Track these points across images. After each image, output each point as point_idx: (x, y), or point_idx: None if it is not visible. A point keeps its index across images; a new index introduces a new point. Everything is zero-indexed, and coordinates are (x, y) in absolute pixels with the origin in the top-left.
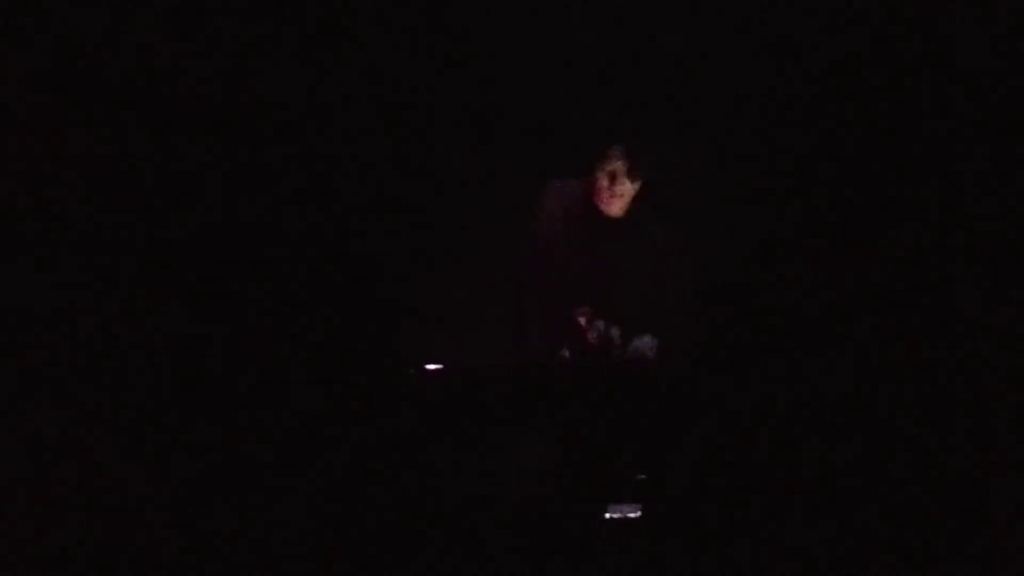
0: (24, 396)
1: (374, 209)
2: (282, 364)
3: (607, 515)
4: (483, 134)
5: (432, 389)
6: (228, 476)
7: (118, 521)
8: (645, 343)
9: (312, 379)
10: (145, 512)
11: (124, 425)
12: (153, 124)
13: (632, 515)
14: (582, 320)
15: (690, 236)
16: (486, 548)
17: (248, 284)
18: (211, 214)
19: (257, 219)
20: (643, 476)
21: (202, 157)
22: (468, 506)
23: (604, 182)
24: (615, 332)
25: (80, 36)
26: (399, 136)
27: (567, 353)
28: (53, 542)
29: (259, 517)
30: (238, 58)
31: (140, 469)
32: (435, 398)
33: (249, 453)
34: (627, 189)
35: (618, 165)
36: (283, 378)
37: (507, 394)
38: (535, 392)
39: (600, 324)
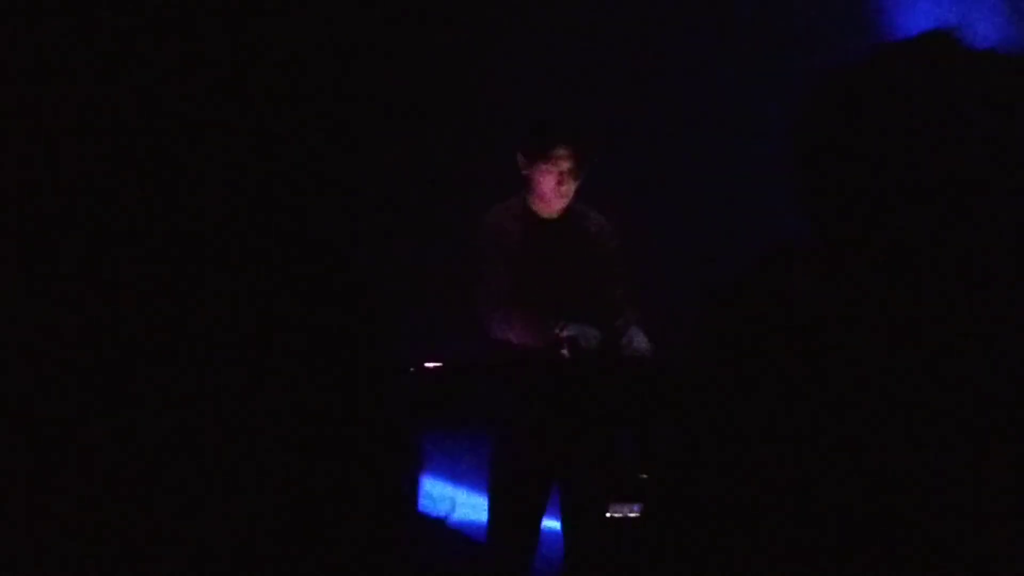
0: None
1: (371, 209)
2: (277, 364)
3: (608, 514)
4: (468, 132)
5: (431, 387)
6: (221, 479)
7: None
8: (642, 341)
9: (307, 378)
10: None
11: (117, 427)
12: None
13: (633, 514)
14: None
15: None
16: (484, 547)
17: (246, 284)
18: (210, 214)
19: (254, 219)
20: (644, 475)
21: (197, 155)
22: (468, 504)
23: (551, 182)
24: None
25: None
26: (398, 137)
27: (566, 352)
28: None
29: (252, 518)
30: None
31: (134, 471)
32: (434, 396)
33: (242, 453)
34: (571, 188)
35: (566, 165)
36: (278, 377)
37: (506, 392)
38: (535, 390)
39: (576, 331)
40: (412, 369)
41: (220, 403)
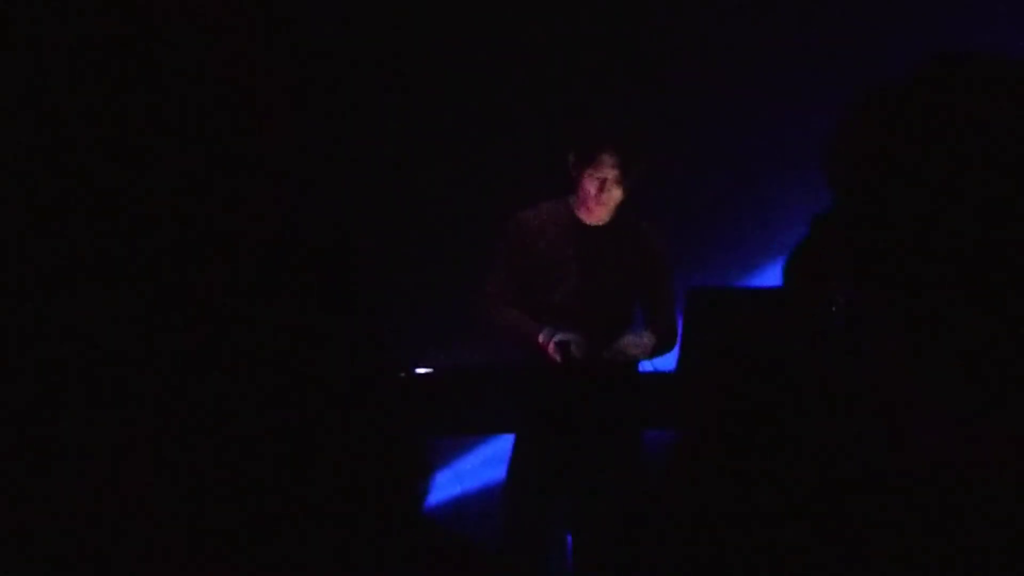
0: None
1: (367, 213)
2: (271, 367)
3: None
4: (479, 134)
5: (423, 393)
6: (215, 483)
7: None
8: (631, 347)
9: (301, 382)
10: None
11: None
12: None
13: (632, 518)
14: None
15: (671, 237)
16: (482, 554)
17: (244, 286)
18: (210, 215)
19: (252, 222)
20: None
21: (192, 154)
22: (464, 511)
23: (593, 188)
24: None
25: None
26: (398, 140)
27: (558, 358)
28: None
29: (247, 524)
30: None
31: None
32: (426, 402)
33: (238, 459)
34: (614, 196)
35: (610, 172)
36: (272, 383)
37: (504, 399)
38: (531, 397)
39: (578, 341)
40: (403, 375)
41: (213, 407)
